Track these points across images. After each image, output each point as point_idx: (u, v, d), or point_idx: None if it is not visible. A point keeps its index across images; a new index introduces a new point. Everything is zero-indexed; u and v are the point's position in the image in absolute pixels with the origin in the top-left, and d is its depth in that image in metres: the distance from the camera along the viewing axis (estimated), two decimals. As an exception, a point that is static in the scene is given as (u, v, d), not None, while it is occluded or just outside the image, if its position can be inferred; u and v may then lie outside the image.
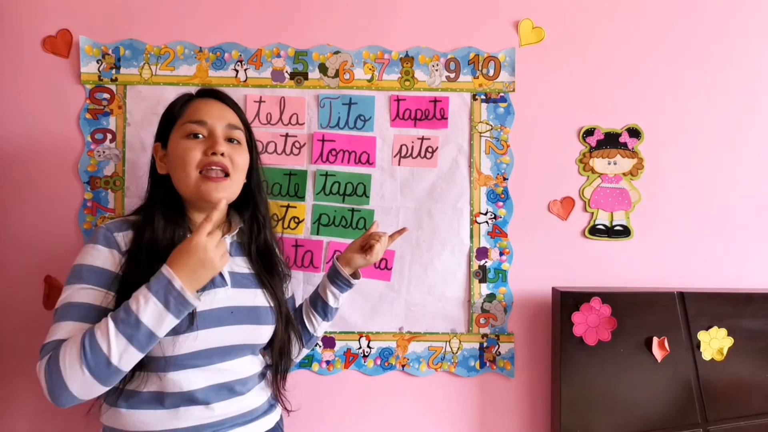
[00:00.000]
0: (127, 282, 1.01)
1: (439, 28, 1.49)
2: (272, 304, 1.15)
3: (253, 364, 1.16)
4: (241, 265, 1.16)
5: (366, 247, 1.28)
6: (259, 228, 1.20)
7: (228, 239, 1.14)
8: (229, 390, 1.10)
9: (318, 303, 1.29)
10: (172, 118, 1.13)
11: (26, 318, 1.44)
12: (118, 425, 1.05)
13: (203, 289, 1.05)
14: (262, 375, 1.21)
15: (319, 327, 1.30)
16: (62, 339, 0.97)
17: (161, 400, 1.04)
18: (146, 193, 1.17)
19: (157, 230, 1.06)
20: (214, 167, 1.07)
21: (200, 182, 1.06)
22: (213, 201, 1.05)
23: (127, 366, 0.95)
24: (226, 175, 1.08)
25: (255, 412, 1.15)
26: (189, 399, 1.05)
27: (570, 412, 1.38)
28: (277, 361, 1.20)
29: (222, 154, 1.07)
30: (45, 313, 1.44)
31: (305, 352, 1.32)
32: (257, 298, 1.14)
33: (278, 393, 1.24)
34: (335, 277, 1.27)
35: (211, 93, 1.16)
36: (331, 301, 1.28)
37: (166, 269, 0.96)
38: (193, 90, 1.18)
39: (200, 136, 1.09)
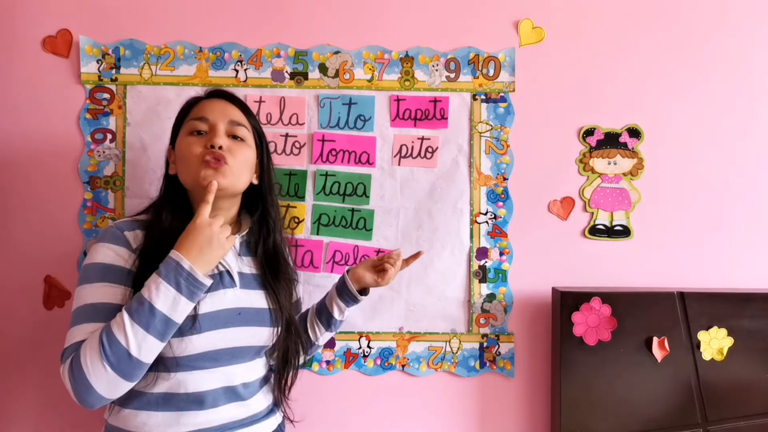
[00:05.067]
0: (141, 280, 1.00)
1: (439, 28, 1.49)
2: (272, 307, 1.14)
3: (259, 367, 1.17)
4: (249, 265, 1.17)
5: (379, 268, 1.27)
6: (268, 230, 1.20)
7: (237, 239, 1.14)
8: (234, 394, 1.10)
9: (323, 313, 1.29)
10: (180, 119, 1.16)
11: (26, 318, 1.44)
12: (121, 425, 1.06)
13: (212, 289, 1.06)
14: (266, 379, 1.21)
15: (321, 336, 1.31)
16: (82, 341, 0.96)
17: (167, 402, 1.04)
18: (159, 195, 1.19)
19: (164, 224, 1.07)
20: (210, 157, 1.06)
21: (199, 170, 1.05)
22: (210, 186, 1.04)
23: (148, 357, 0.95)
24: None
25: (256, 416, 1.15)
26: (195, 401, 1.05)
27: (570, 412, 1.38)
28: (280, 368, 1.20)
29: (220, 147, 1.07)
30: (45, 313, 1.44)
31: (305, 358, 1.31)
32: (261, 300, 1.14)
33: (282, 401, 1.22)
34: (342, 291, 1.27)
35: (217, 93, 1.18)
36: (336, 314, 1.28)
37: (173, 253, 0.98)
38: (198, 91, 1.19)
39: (203, 132, 1.10)
